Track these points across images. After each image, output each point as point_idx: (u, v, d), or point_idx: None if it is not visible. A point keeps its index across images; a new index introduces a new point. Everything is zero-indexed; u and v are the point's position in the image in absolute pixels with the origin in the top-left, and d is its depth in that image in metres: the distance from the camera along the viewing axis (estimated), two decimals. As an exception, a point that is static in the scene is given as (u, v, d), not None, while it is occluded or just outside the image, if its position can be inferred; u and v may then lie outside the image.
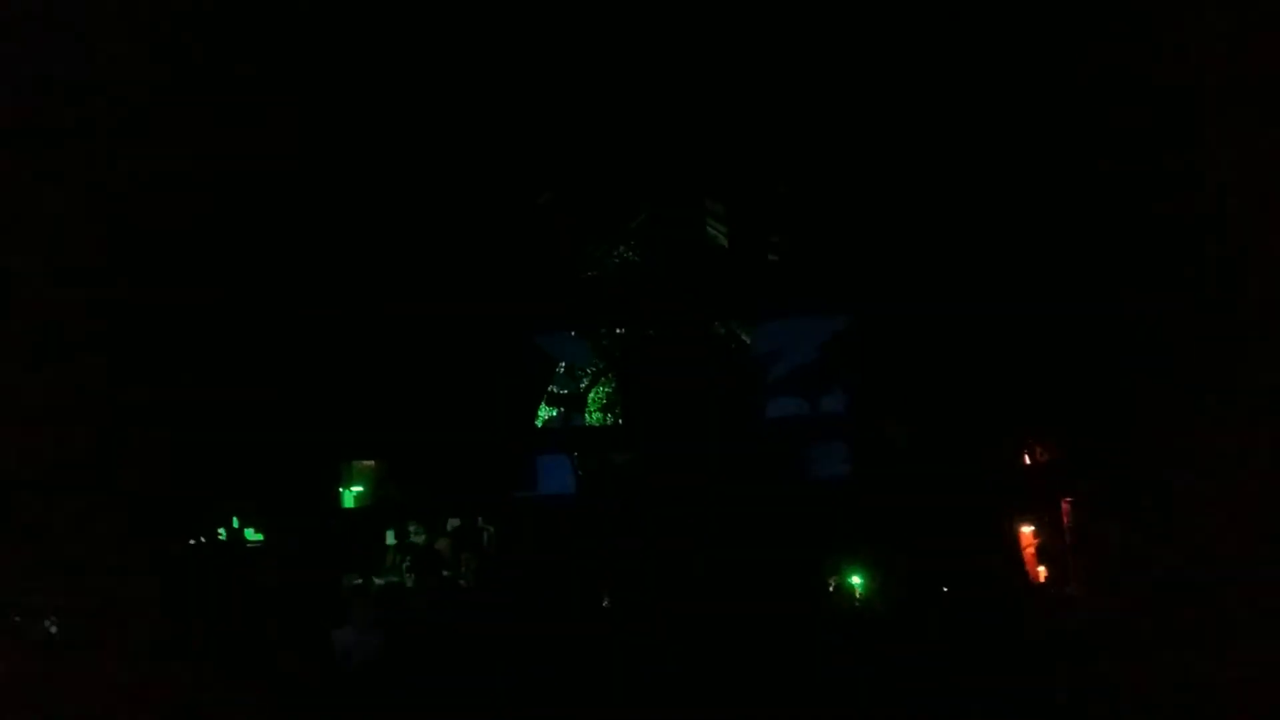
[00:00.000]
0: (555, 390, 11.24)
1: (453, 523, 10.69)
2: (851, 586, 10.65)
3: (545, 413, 11.29)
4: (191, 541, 9.52)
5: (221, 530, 9.78)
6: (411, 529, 10.64)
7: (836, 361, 10.48)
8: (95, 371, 9.21)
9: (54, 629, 8.34)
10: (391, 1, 9.75)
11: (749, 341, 11.17)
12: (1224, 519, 9.15)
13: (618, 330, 11.44)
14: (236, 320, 9.92)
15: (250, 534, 10.06)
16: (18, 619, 8.49)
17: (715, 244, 11.08)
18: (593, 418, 11.45)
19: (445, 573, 10.16)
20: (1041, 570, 10.74)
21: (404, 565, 9.99)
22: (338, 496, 10.68)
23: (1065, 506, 10.58)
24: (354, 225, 10.14)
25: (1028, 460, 10.96)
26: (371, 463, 11.00)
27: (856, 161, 10.16)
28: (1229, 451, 9.26)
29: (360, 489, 10.94)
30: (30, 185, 8.69)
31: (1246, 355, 8.20)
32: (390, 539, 10.80)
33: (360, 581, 9.97)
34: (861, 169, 10.19)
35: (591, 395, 11.46)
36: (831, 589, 10.71)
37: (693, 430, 10.69)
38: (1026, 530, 10.83)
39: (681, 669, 8.92)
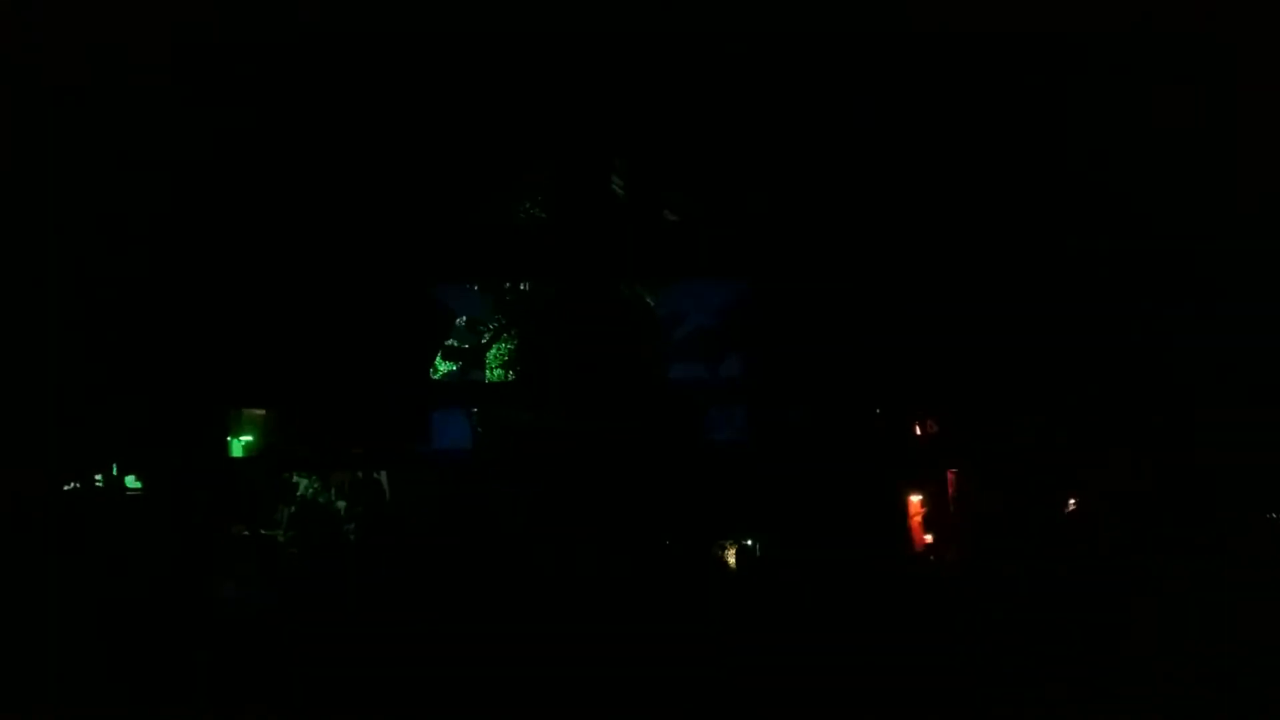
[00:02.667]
0: (455, 344, 11.04)
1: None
2: (749, 549, 10.82)
3: (445, 367, 11.09)
4: (66, 488, 9.18)
5: (99, 477, 9.42)
6: (302, 481, 10.38)
7: (735, 327, 10.55)
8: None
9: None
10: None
11: (652, 303, 11.13)
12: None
13: (521, 286, 11.26)
14: (126, 260, 9.57)
15: (130, 481, 9.72)
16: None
17: (621, 202, 10.98)
18: (493, 374, 11.25)
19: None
20: (927, 537, 11.05)
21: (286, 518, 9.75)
22: (225, 445, 10.35)
23: (951, 477, 10.91)
24: (251, 170, 9.82)
25: (918, 431, 11.24)
26: (262, 411, 10.68)
27: (765, 127, 10.20)
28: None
29: (249, 438, 10.62)
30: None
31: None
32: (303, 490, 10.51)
33: (248, 534, 9.75)
34: (770, 135, 10.25)
35: (492, 351, 11.27)
36: (727, 551, 10.87)
37: (594, 389, 10.67)
38: (915, 499, 11.13)
39: (576, 630, 8.92)
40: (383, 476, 10.79)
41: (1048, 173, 10.23)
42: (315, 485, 10.39)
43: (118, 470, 9.57)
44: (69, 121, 9.38)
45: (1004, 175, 10.32)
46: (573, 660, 7.96)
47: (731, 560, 10.61)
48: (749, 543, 10.78)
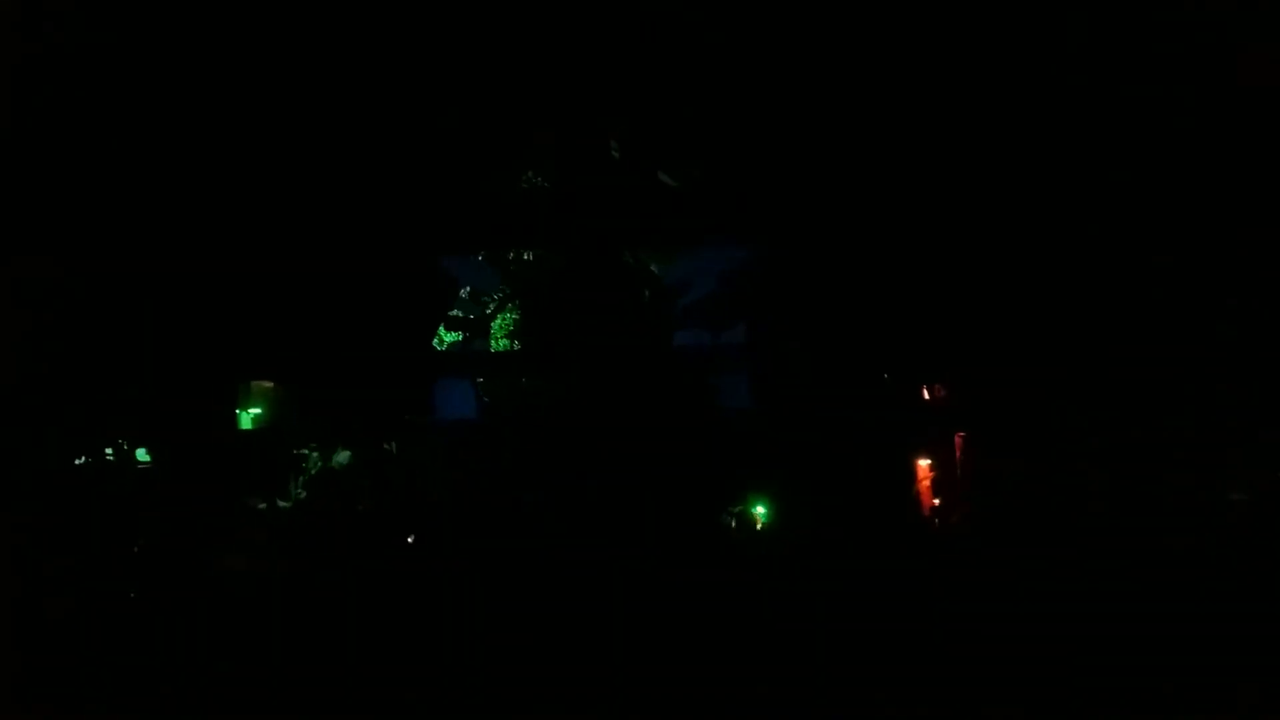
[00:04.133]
0: (459, 314, 11.06)
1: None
2: (752, 515, 10.83)
3: (449, 337, 11.12)
4: (77, 461, 9.32)
5: (109, 450, 9.54)
6: (309, 452, 10.46)
7: (738, 293, 10.49)
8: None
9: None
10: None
11: (657, 271, 11.08)
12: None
13: (525, 255, 11.24)
14: (135, 237, 9.65)
15: (141, 454, 9.85)
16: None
17: (624, 170, 10.92)
18: (499, 344, 11.26)
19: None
20: (936, 501, 11.02)
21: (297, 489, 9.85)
22: (233, 417, 10.45)
23: (958, 442, 10.86)
24: (257, 146, 9.85)
25: (926, 396, 11.18)
26: (269, 384, 10.76)
27: (765, 92, 10.10)
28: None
29: (258, 410, 10.71)
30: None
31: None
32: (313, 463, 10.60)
33: (263, 505, 9.86)
34: (770, 100, 10.14)
35: (497, 321, 11.28)
36: (735, 516, 10.89)
37: (600, 358, 10.67)
38: (923, 464, 11.09)
39: (585, 599, 8.97)
40: (392, 446, 10.85)
41: (1055, 137, 10.07)
42: (324, 456, 10.47)
43: (128, 444, 9.68)
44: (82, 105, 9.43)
45: (1011, 136, 10.18)
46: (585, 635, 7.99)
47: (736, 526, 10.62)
48: (756, 509, 10.80)
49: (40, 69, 9.15)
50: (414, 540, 9.88)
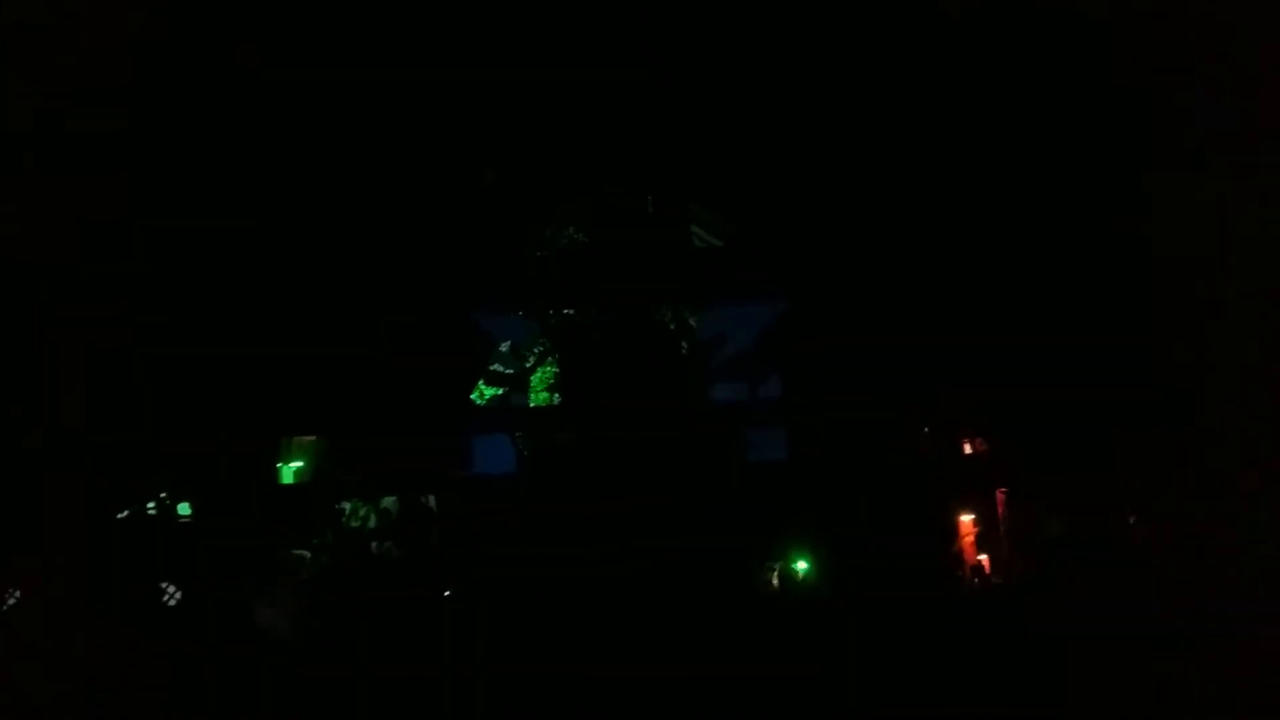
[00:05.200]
0: (500, 369, 11.17)
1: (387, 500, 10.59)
2: (793, 570, 10.72)
3: (490, 392, 11.22)
4: (120, 515, 9.45)
5: (151, 504, 9.68)
6: (350, 505, 10.54)
7: (774, 348, 10.50)
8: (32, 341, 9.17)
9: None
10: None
11: (694, 325, 11.14)
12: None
13: (565, 311, 11.35)
14: (176, 292, 9.86)
15: (183, 509, 9.97)
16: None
17: (663, 230, 11.03)
18: (538, 398, 11.35)
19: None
20: (983, 558, 10.82)
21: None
22: (275, 471, 10.57)
23: (1000, 497, 10.68)
24: (295, 201, 10.07)
25: (968, 450, 11.03)
26: (312, 438, 10.89)
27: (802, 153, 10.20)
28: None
29: (300, 464, 10.84)
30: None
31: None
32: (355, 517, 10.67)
33: (305, 557, 9.92)
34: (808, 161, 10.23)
35: (536, 376, 11.37)
36: (775, 572, 10.78)
37: (636, 411, 10.69)
38: (966, 519, 10.91)
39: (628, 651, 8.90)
40: (429, 500, 10.90)
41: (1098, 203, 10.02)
42: (362, 510, 10.53)
43: (170, 498, 9.82)
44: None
45: (1051, 198, 10.13)
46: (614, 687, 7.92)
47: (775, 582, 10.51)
48: (796, 564, 10.69)
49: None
50: (451, 593, 9.86)
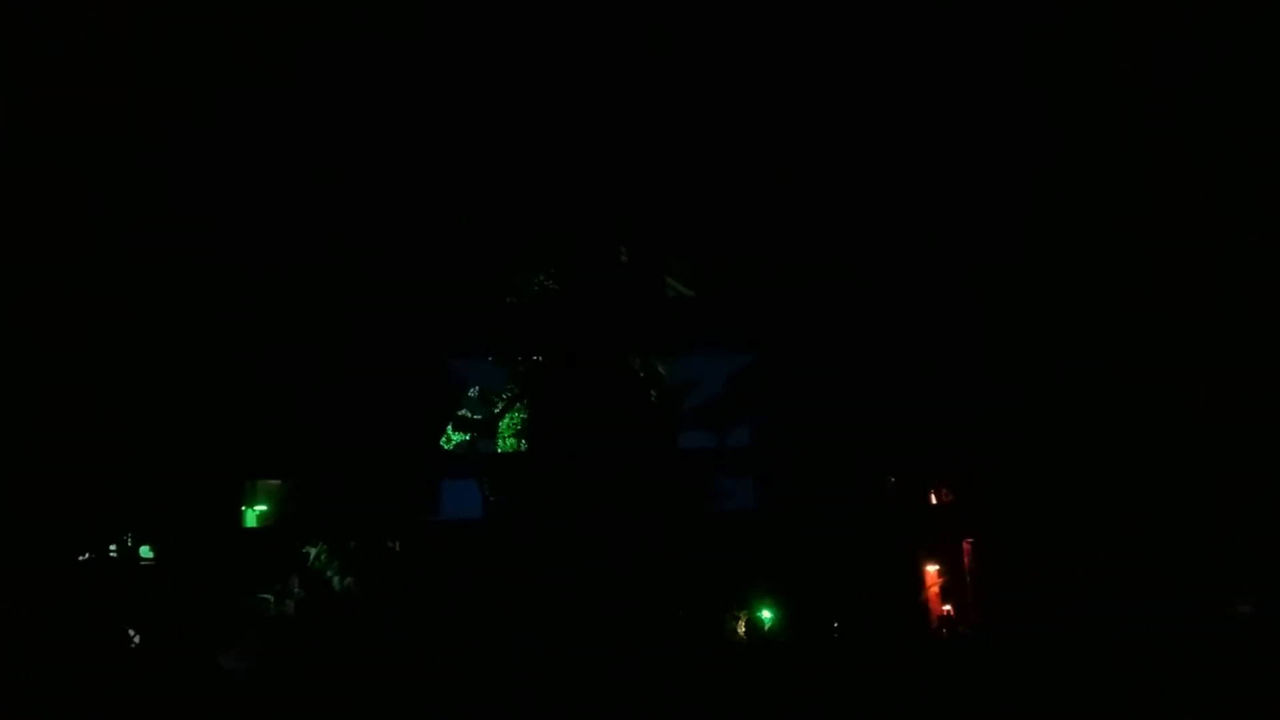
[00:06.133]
0: (468, 414, 11.16)
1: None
2: (760, 619, 10.74)
3: (457, 437, 11.20)
4: (81, 558, 9.30)
5: (113, 547, 9.53)
6: (311, 551, 10.44)
7: (743, 395, 10.58)
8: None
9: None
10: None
11: (663, 373, 11.21)
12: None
13: (535, 357, 11.39)
14: (137, 334, 9.80)
15: (145, 551, 9.83)
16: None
17: (632, 272, 11.14)
18: (506, 444, 11.35)
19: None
20: (947, 608, 10.90)
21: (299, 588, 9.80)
22: (239, 515, 10.45)
23: (966, 547, 10.79)
24: (267, 240, 10.08)
25: (933, 500, 11.15)
26: (276, 481, 10.79)
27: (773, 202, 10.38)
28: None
29: (264, 508, 10.73)
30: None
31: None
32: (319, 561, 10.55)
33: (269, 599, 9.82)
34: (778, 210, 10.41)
35: (505, 420, 11.38)
36: (741, 621, 10.79)
37: (605, 459, 10.70)
38: (931, 569, 11.00)
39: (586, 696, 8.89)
40: (396, 545, 10.82)
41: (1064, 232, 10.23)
42: (324, 555, 10.44)
43: (132, 541, 9.68)
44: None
45: (1018, 233, 10.34)
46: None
47: (742, 631, 10.52)
48: (762, 614, 10.71)
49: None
50: (413, 638, 9.77)
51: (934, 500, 11.11)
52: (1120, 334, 9.73)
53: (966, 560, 10.81)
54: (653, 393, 11.15)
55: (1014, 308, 10.18)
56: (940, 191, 10.40)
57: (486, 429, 11.15)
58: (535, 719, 8.92)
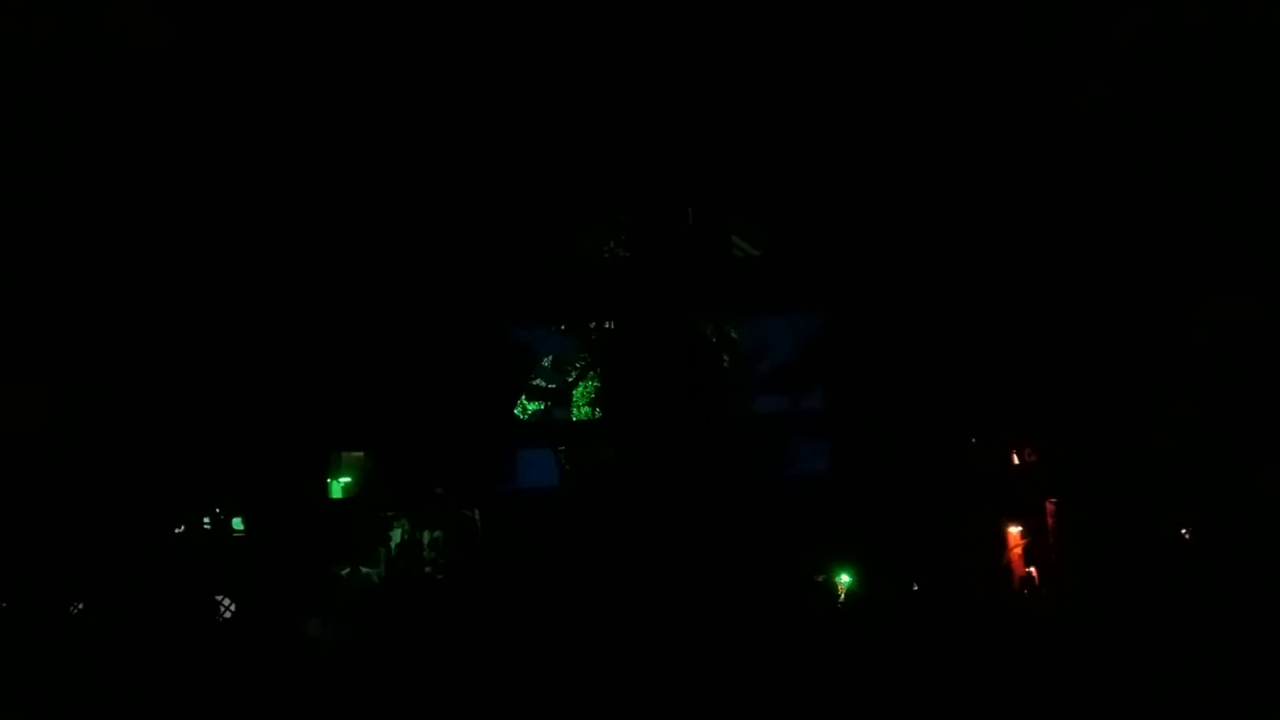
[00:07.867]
0: (542, 384, 11.24)
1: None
2: (835, 582, 10.66)
3: (532, 406, 11.29)
4: (176, 530, 9.66)
5: (206, 519, 9.88)
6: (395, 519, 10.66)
7: (816, 359, 10.46)
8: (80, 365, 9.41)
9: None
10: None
11: (736, 338, 11.14)
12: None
13: (606, 324, 11.41)
14: (224, 314, 10.08)
15: (237, 524, 10.16)
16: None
17: (702, 237, 11.05)
18: (580, 412, 11.40)
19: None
20: (1032, 570, 10.69)
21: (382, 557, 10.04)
22: (324, 486, 10.73)
23: (1050, 508, 10.54)
24: (336, 219, 10.25)
25: (1016, 461, 10.90)
26: (359, 453, 11.03)
27: (838, 162, 10.18)
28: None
29: (348, 479, 10.99)
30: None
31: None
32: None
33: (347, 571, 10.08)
34: (843, 169, 10.21)
35: (579, 389, 11.42)
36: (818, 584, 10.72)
37: (678, 425, 10.70)
38: (1014, 531, 10.79)
39: (668, 665, 8.93)
40: (475, 514, 10.99)
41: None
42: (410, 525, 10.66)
43: (224, 513, 10.01)
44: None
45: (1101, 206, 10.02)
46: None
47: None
48: (840, 577, 10.63)
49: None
50: (496, 608, 9.92)
51: (1016, 461, 10.86)
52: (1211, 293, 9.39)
53: (1050, 521, 10.56)
54: (725, 358, 11.09)
55: (1094, 265, 9.86)
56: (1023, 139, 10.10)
57: (561, 398, 11.21)
58: (620, 682, 8.96)
